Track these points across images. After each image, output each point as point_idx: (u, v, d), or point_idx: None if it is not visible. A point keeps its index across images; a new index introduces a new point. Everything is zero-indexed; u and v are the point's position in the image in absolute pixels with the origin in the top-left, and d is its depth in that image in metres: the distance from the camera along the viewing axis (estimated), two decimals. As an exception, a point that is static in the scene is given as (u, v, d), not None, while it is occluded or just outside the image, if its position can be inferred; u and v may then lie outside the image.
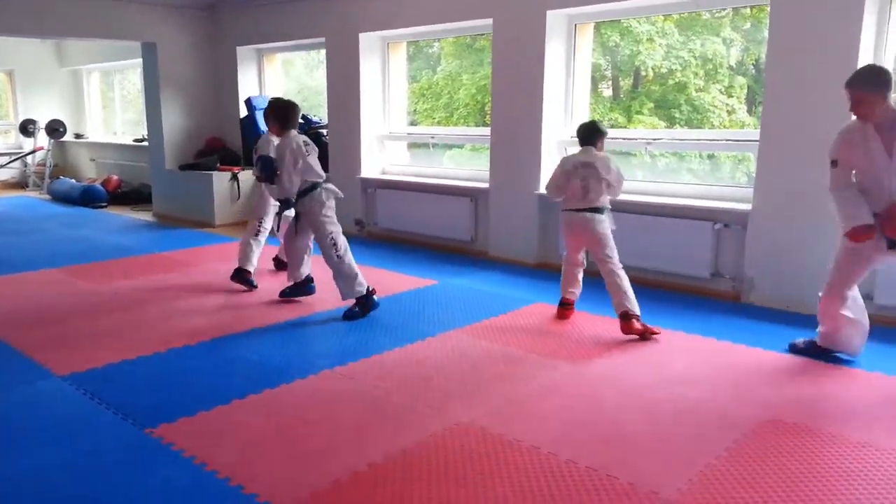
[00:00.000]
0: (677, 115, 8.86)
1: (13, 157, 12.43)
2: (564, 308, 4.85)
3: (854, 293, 3.89)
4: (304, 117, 8.47)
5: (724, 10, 7.62)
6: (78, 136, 12.76)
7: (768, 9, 4.96)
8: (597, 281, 4.56)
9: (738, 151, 6.05)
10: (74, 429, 3.22)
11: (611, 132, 6.08)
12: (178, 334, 4.49)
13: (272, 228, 5.76)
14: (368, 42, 7.62)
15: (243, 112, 8.90)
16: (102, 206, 10.30)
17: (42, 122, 12.23)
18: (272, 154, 5.07)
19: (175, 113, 9.19)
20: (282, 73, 9.77)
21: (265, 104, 5.47)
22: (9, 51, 11.79)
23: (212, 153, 9.11)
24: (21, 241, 7.67)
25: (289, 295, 5.24)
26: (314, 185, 4.85)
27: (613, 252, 4.50)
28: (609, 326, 4.49)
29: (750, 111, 8.53)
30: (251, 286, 5.59)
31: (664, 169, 7.03)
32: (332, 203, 4.90)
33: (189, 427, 3.21)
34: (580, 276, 4.82)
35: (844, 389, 3.66)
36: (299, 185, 4.83)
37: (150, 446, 3.03)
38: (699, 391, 3.60)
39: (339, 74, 7.84)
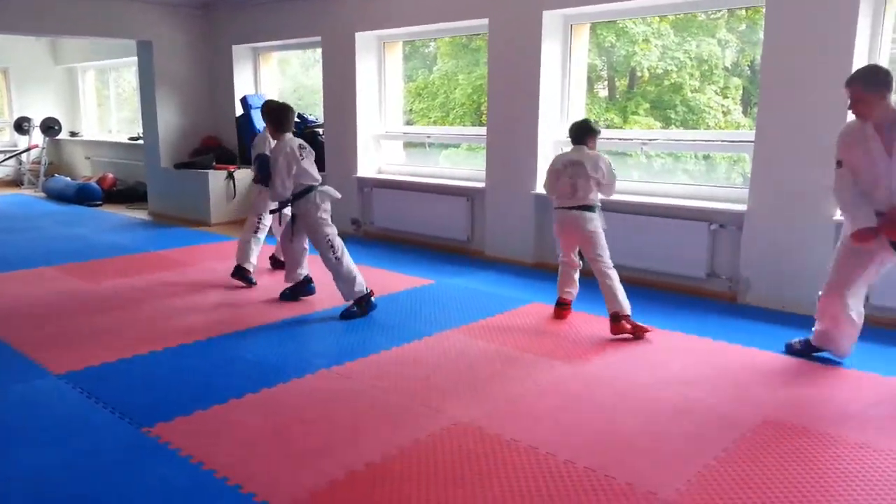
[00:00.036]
0: (673, 115, 8.87)
1: (8, 155, 12.37)
2: (561, 308, 4.85)
3: (858, 298, 3.87)
4: (300, 116, 8.46)
5: (720, 11, 7.64)
6: (73, 133, 12.72)
7: (763, 10, 4.98)
8: (594, 281, 4.57)
9: (733, 152, 6.06)
10: (72, 428, 3.21)
11: (607, 132, 6.07)
12: (175, 333, 4.48)
13: (270, 227, 5.77)
14: (364, 41, 7.61)
15: (239, 111, 8.89)
16: (97, 205, 10.27)
17: (37, 120, 12.19)
18: (268, 152, 5.06)
19: (170, 111, 9.17)
20: (278, 72, 9.75)
21: (261, 103, 5.46)
22: (4, 48, 11.74)
23: (207, 152, 9.10)
24: (16, 239, 7.65)
25: (289, 297, 5.24)
26: (309, 188, 4.84)
27: (605, 252, 4.50)
28: (606, 327, 4.49)
29: (745, 112, 8.55)
30: (250, 283, 5.61)
31: (660, 169, 7.04)
32: (327, 206, 4.90)
33: (186, 426, 3.20)
34: (577, 276, 4.83)
35: (841, 390, 3.68)
36: (294, 189, 4.83)
37: (147, 445, 3.02)
38: (697, 392, 3.61)
39: (336, 73, 7.83)
